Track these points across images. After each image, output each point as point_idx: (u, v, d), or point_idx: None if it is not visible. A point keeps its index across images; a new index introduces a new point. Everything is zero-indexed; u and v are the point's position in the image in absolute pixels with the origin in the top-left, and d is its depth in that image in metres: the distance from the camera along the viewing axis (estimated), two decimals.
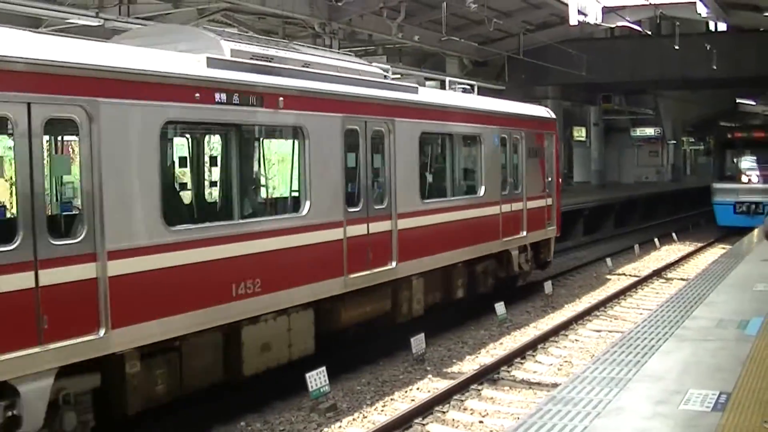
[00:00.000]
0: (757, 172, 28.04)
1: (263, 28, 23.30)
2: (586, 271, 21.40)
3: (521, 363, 11.97)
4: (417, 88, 13.32)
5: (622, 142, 50.27)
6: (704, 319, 9.29)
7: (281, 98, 9.65)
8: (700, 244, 26.22)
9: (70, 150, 8.82)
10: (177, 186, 10.72)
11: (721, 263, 14.16)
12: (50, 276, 6.92)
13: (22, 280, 6.73)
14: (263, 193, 11.32)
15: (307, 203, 10.16)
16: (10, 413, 6.72)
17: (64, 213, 8.70)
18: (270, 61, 10.00)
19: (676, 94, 46.65)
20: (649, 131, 50.03)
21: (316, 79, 10.50)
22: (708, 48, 28.53)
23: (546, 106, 21.01)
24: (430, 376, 11.34)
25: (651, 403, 6.33)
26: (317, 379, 9.68)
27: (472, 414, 9.76)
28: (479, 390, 10.60)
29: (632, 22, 26.55)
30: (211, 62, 8.93)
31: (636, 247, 24.58)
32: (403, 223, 11.94)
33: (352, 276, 10.84)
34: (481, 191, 14.64)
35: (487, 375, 11.05)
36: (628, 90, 42.77)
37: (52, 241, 7.03)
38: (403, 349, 12.00)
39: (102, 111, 7.44)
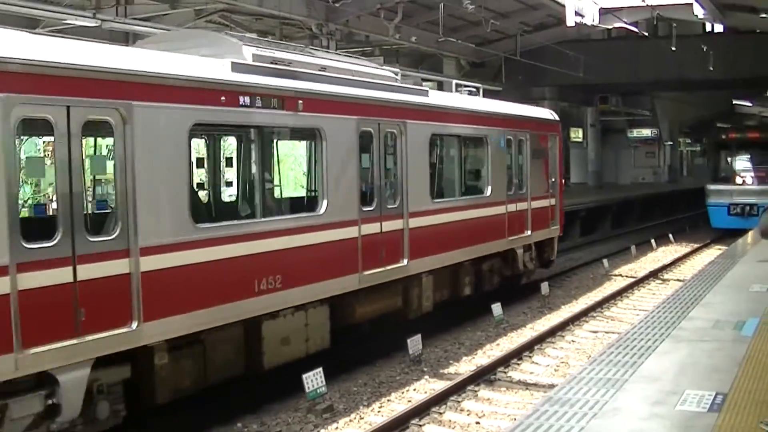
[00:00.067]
0: (752, 174, 27.87)
1: (260, 29, 23.27)
2: (583, 272, 21.42)
3: (518, 364, 11.98)
4: (427, 91, 13.74)
5: (619, 143, 50.30)
6: (700, 320, 9.30)
7: (300, 101, 9.98)
8: (696, 245, 26.23)
9: (105, 151, 9.14)
10: (203, 185, 11.03)
11: (717, 264, 14.18)
12: (87, 271, 7.25)
13: (62, 275, 7.05)
14: (283, 193, 11.68)
15: (325, 202, 10.49)
16: (50, 402, 7.05)
17: (100, 211, 8.97)
18: (288, 65, 10.30)
19: (672, 95, 46.74)
20: (646, 132, 50.08)
21: (332, 83, 10.82)
22: (705, 49, 28.59)
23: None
24: (426, 377, 11.34)
25: (647, 403, 6.34)
26: (314, 380, 9.69)
27: (468, 415, 9.76)
28: (476, 391, 10.60)
29: (629, 24, 26.61)
30: (235, 66, 9.25)
31: (633, 248, 24.59)
32: (414, 222, 12.27)
33: (367, 273, 11.17)
34: (488, 191, 14.94)
35: (484, 376, 11.05)
36: (625, 91, 42.82)
37: (89, 238, 7.36)
38: (399, 350, 12.00)
39: (135, 113, 7.78)
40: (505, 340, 13.60)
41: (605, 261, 21.63)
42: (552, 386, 9.64)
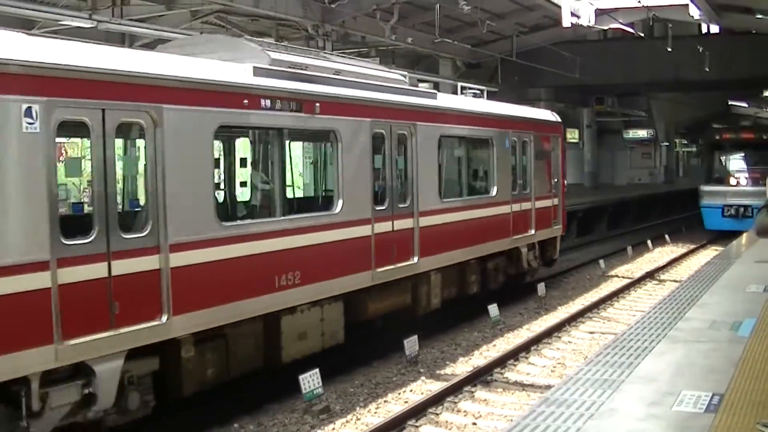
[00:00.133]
0: (746, 175, 27.41)
1: (256, 29, 23.25)
2: (579, 272, 21.44)
3: (514, 365, 11.98)
4: (436, 93, 14.15)
5: (615, 144, 50.31)
6: (697, 321, 9.29)
7: (318, 104, 10.41)
8: (692, 246, 26.24)
9: (137, 152, 9.43)
10: (227, 185, 11.34)
11: (713, 265, 14.18)
12: (121, 266, 7.65)
13: (98, 270, 7.44)
14: (301, 192, 12.13)
15: (340, 201, 10.88)
16: (86, 391, 7.42)
17: (132, 209, 9.36)
18: (305, 70, 10.67)
19: (668, 96, 46.74)
20: (642, 133, 50.09)
21: (347, 86, 11.25)
22: (700, 50, 28.60)
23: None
24: (423, 378, 11.34)
25: (644, 404, 6.34)
26: (310, 381, 9.69)
27: (465, 416, 9.77)
28: (472, 392, 10.60)
29: (625, 25, 26.60)
30: (257, 71, 9.64)
31: (629, 248, 24.60)
32: (424, 221, 12.67)
33: (379, 270, 11.57)
34: (494, 191, 15.36)
35: (481, 377, 11.06)
36: (621, 92, 42.81)
37: (123, 235, 7.76)
38: (396, 351, 12.00)
39: (165, 116, 8.16)
40: (501, 340, 13.60)
41: (602, 262, 21.64)
42: (548, 387, 9.64)
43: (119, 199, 8.38)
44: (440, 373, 11.59)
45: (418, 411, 9.59)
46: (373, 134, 11.58)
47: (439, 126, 13.46)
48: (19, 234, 6.88)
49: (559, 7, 20.18)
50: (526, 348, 12.70)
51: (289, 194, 11.21)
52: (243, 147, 11.39)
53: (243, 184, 11.46)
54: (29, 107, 6.94)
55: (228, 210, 10.17)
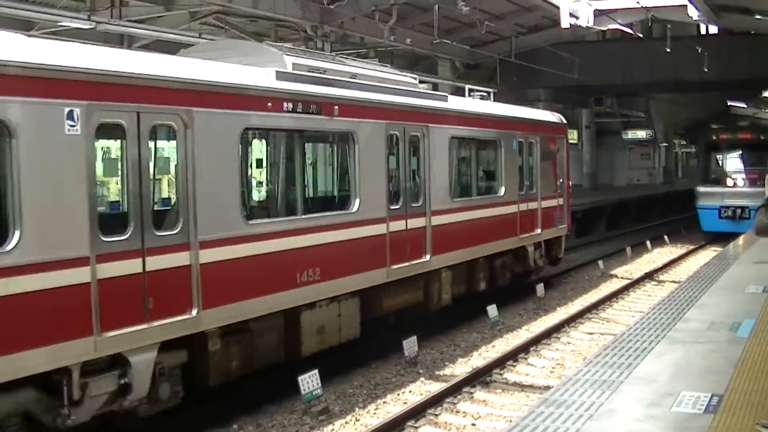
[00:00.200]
0: (743, 175, 26.94)
1: (255, 30, 23.25)
2: (578, 273, 21.44)
3: (513, 366, 11.98)
4: (446, 96, 14.59)
5: (614, 145, 50.22)
6: (696, 322, 9.30)
7: (336, 107, 10.83)
8: (691, 247, 26.24)
9: (168, 153, 9.80)
10: (252, 184, 11.67)
11: (712, 265, 14.19)
12: (154, 262, 8.02)
13: (133, 266, 7.82)
14: (321, 191, 12.77)
15: (357, 201, 11.31)
16: (122, 381, 7.78)
17: (164, 208, 9.65)
18: (323, 74, 11.06)
19: (667, 96, 46.72)
20: (641, 134, 49.99)
21: (363, 89, 11.67)
22: (699, 51, 28.59)
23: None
24: (422, 378, 11.34)
25: (643, 405, 6.34)
26: (309, 381, 9.70)
27: (464, 417, 9.77)
28: (471, 393, 10.60)
29: (624, 25, 26.61)
30: (279, 75, 10.05)
31: (628, 249, 24.60)
32: (436, 220, 13.11)
33: (394, 267, 12.00)
34: (502, 191, 15.83)
35: (480, 378, 11.06)
36: (620, 92, 42.78)
37: (156, 233, 8.14)
38: (395, 352, 12.01)
39: (195, 119, 8.55)
40: (500, 341, 13.61)
41: (600, 262, 21.65)
42: (547, 388, 9.64)
43: (152, 198, 8.69)
44: (439, 374, 11.59)
45: (418, 412, 9.59)
46: (388, 136, 12.01)
47: (450, 128, 13.88)
48: (62, 231, 7.23)
49: (558, 7, 20.19)
50: (525, 349, 12.71)
51: (310, 194, 11.71)
52: (266, 148, 11.73)
53: (266, 183, 11.85)
54: (71, 110, 7.31)
55: (253, 209, 10.56)
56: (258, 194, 11.92)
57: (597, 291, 18.59)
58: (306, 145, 11.46)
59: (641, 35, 28.63)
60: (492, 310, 14.41)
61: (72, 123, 7.32)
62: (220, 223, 8.89)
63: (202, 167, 8.62)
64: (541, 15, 27.45)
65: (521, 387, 10.89)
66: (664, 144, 51.02)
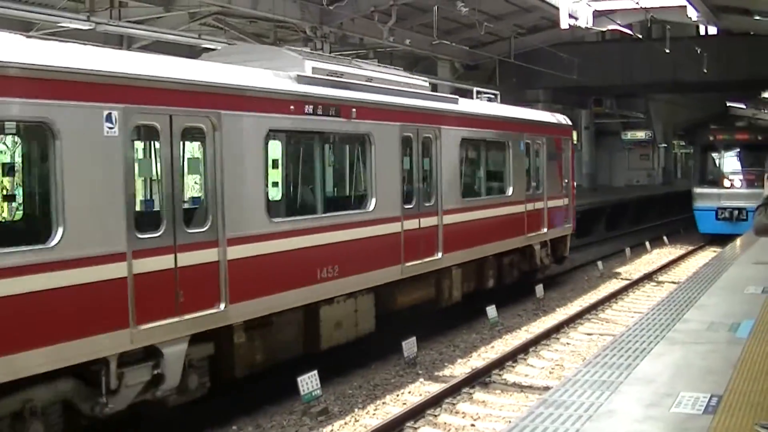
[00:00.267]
0: (741, 176, 26.45)
1: (254, 31, 23.24)
2: (578, 274, 21.45)
3: (513, 366, 11.98)
4: (457, 99, 15.07)
5: (613, 146, 50.21)
6: (695, 322, 9.31)
7: (354, 109, 11.20)
8: (691, 247, 26.23)
9: (198, 153, 10.09)
10: (275, 184, 12.10)
11: (711, 266, 14.20)
12: (185, 258, 8.36)
13: (166, 261, 8.18)
14: (339, 191, 13.18)
15: (373, 200, 11.70)
16: (155, 372, 8.13)
17: (194, 206, 10.01)
18: (341, 77, 11.45)
19: (666, 97, 46.71)
20: (640, 134, 49.96)
21: (379, 92, 12.04)
22: (698, 51, 28.55)
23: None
24: (421, 379, 11.34)
25: (642, 406, 6.35)
26: (309, 382, 9.71)
27: (463, 417, 9.77)
28: (471, 393, 10.60)
29: (623, 26, 26.60)
30: (300, 79, 10.45)
31: (627, 250, 24.61)
32: (447, 219, 13.52)
33: (408, 264, 12.39)
34: (509, 191, 16.26)
35: (479, 378, 11.06)
36: (619, 93, 42.77)
37: (187, 230, 8.49)
38: (394, 353, 12.00)
39: (223, 121, 8.91)
40: (499, 342, 13.61)
41: (600, 263, 21.66)
42: (547, 389, 9.65)
43: (184, 196, 9.08)
44: (438, 375, 11.60)
45: (417, 412, 9.59)
46: (402, 137, 12.41)
47: (461, 129, 14.28)
48: (101, 228, 7.59)
49: (557, 8, 20.22)
50: (524, 349, 12.71)
51: (329, 193, 12.16)
52: (288, 149, 12.05)
53: (289, 183, 12.20)
54: (109, 113, 7.67)
55: (276, 207, 10.87)
56: (281, 193, 12.28)
57: (596, 292, 18.60)
58: (325, 146, 11.93)
59: (640, 36, 28.65)
60: (491, 310, 14.41)
61: (110, 125, 7.67)
62: (246, 221, 9.23)
63: (229, 167, 8.97)
64: (541, 16, 27.43)
65: (520, 388, 10.90)
66: (664, 145, 51.03)
